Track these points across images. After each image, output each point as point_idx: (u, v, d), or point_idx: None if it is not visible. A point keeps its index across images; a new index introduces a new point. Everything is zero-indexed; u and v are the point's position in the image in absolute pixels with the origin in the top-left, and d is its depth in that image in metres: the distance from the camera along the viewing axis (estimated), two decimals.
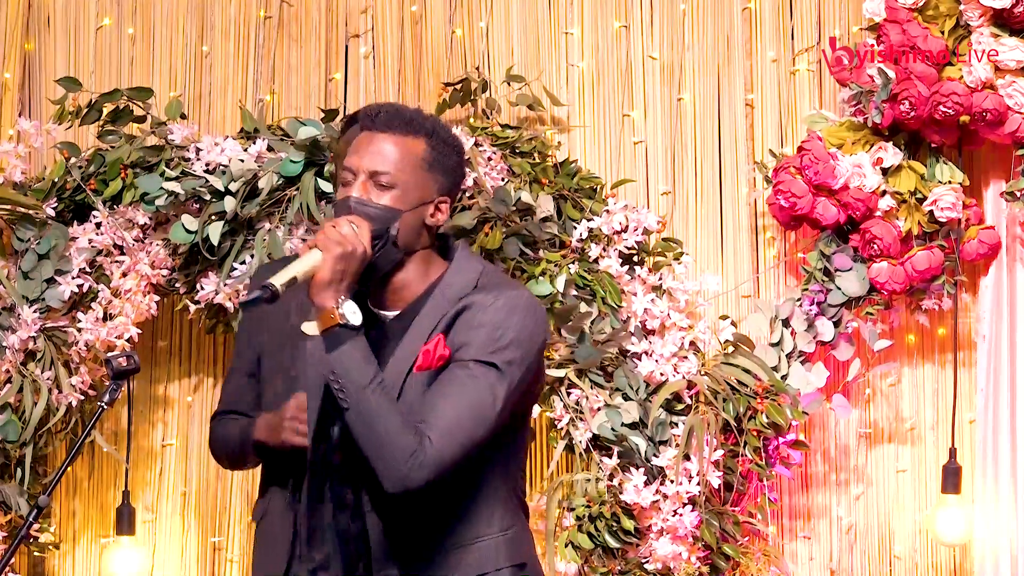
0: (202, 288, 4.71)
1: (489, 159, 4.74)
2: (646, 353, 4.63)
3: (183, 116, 4.82)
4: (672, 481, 4.56)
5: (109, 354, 3.85)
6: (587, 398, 4.61)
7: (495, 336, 3.26)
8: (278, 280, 3.20)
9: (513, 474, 3.40)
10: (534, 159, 4.81)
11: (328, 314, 3.21)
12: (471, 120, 4.89)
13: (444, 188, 3.37)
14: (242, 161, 4.66)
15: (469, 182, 4.68)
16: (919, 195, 4.78)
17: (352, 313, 3.22)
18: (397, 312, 3.36)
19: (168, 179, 4.69)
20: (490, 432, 3.23)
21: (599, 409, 4.60)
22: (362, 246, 3.25)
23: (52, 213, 4.71)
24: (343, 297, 3.22)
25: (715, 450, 4.60)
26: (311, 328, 3.27)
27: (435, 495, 3.26)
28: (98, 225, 4.70)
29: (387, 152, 3.32)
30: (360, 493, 3.34)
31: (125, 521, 4.90)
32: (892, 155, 4.78)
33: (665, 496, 4.57)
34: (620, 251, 4.72)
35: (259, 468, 4.01)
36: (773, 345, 4.80)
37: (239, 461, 3.78)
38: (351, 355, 3.20)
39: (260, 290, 3.19)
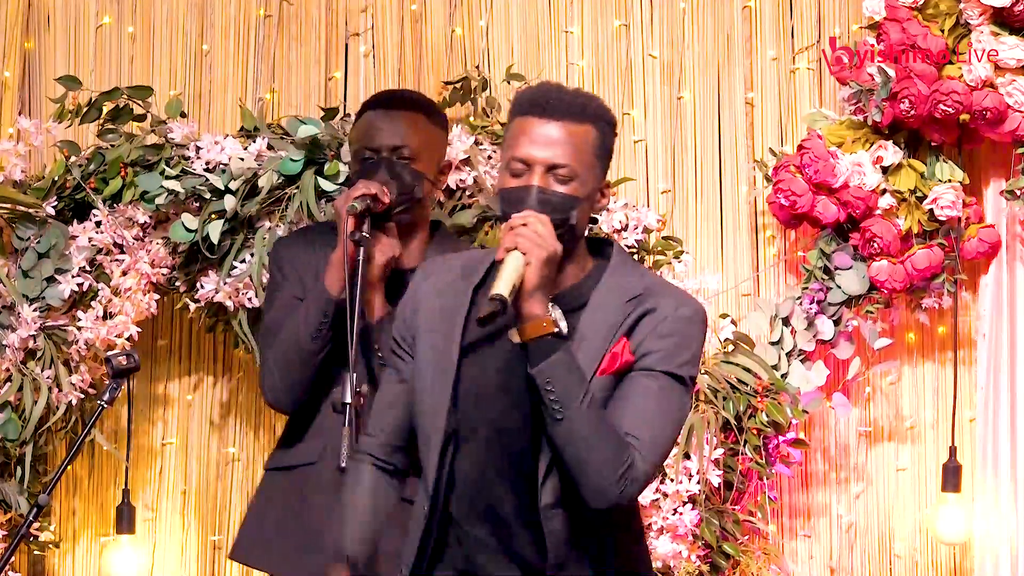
0: (202, 287, 4.71)
1: (489, 158, 4.73)
2: None
3: (183, 115, 4.81)
4: (672, 480, 4.56)
5: (109, 353, 3.87)
6: None
7: (682, 347, 3.10)
8: (503, 290, 2.98)
9: None
10: None
11: (540, 322, 3.00)
12: (471, 119, 4.88)
13: (606, 172, 3.20)
14: (242, 160, 4.65)
15: (469, 181, 4.69)
16: (919, 193, 4.78)
17: (561, 319, 3.04)
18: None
19: (168, 178, 4.68)
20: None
21: None
22: (559, 245, 3.05)
23: (52, 212, 4.71)
24: (551, 303, 3.05)
25: (715, 448, 4.60)
26: (514, 336, 3.04)
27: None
28: (98, 224, 4.70)
29: (563, 142, 3.10)
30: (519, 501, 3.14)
31: (125, 520, 4.90)
32: (892, 154, 4.77)
33: (665, 495, 4.57)
34: None
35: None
36: (773, 344, 4.80)
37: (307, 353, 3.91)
38: (567, 365, 3.01)
39: (493, 303, 2.97)
